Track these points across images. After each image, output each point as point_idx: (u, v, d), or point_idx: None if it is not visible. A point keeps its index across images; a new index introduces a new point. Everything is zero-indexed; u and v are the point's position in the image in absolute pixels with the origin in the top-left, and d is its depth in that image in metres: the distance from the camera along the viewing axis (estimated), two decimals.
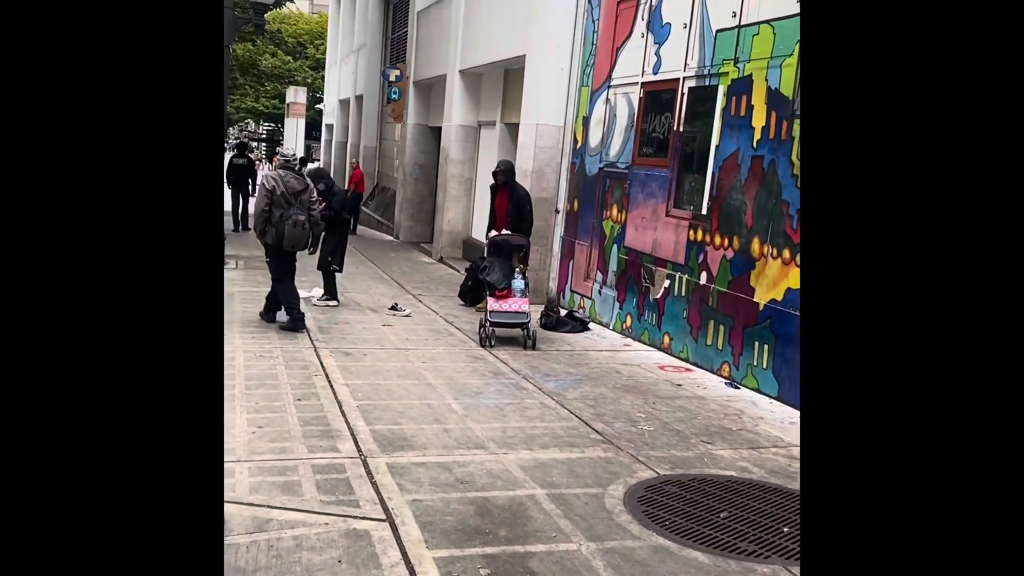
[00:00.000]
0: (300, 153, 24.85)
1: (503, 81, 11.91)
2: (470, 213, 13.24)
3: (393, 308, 8.43)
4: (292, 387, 5.31)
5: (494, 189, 8.64)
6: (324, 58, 34.00)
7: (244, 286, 9.19)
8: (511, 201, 8.37)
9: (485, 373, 6.10)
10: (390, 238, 16.43)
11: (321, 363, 6.00)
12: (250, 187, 15.14)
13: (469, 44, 12.22)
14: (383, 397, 5.24)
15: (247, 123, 53.81)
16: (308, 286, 9.27)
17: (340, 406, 4.97)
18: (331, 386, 5.41)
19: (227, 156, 16.65)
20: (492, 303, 7.24)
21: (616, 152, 8.40)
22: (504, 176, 8.43)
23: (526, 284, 7.45)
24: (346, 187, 16.48)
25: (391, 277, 10.96)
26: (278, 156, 7.41)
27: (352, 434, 4.45)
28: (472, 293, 9.01)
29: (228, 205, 15.25)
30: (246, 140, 26.75)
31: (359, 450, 4.21)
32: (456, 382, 5.76)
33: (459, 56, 12.56)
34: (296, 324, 7.00)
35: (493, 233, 7.72)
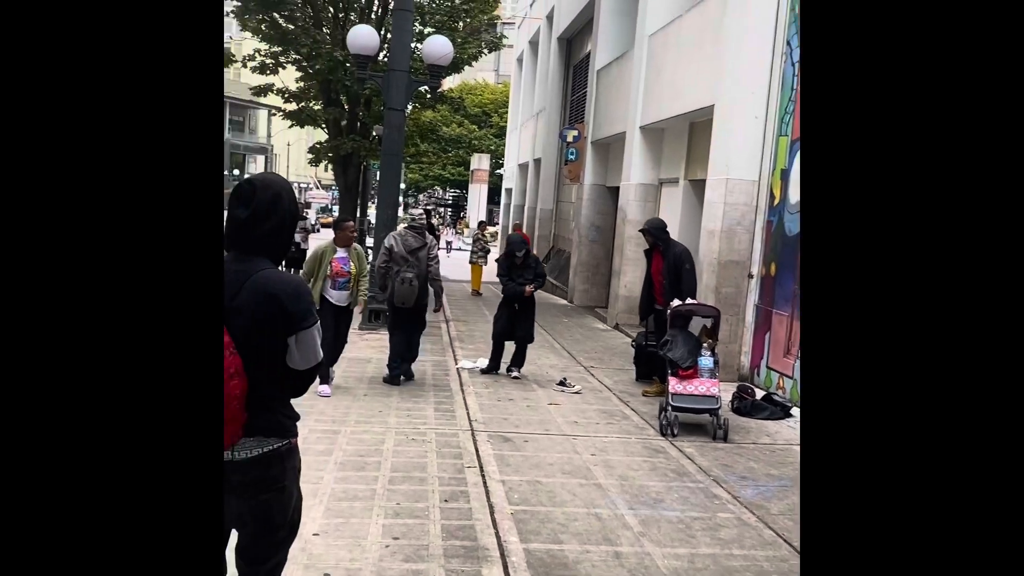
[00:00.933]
0: (481, 217, 25.31)
1: (688, 135, 11.01)
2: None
3: (561, 383, 7.63)
4: (440, 482, 4.61)
5: (648, 253, 7.72)
6: (507, 126, 34.74)
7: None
8: (666, 263, 7.41)
9: (667, 472, 5.10)
10: (564, 302, 15.78)
11: (476, 451, 5.27)
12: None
13: (651, 99, 11.48)
14: (543, 501, 4.40)
15: (435, 189, 56.36)
16: (475, 355, 8.71)
17: (492, 511, 4.18)
18: (484, 483, 4.65)
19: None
20: (675, 384, 6.24)
21: None
22: (653, 236, 7.49)
23: (716, 362, 6.38)
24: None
25: (562, 345, 10.20)
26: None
27: (502, 555, 3.63)
28: (640, 368, 8.14)
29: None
30: (431, 208, 27.69)
31: None
32: (632, 484, 4.81)
33: (640, 112, 11.84)
34: (389, 378, 7.25)
35: (676, 302, 6.75)
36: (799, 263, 7.53)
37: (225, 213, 2.11)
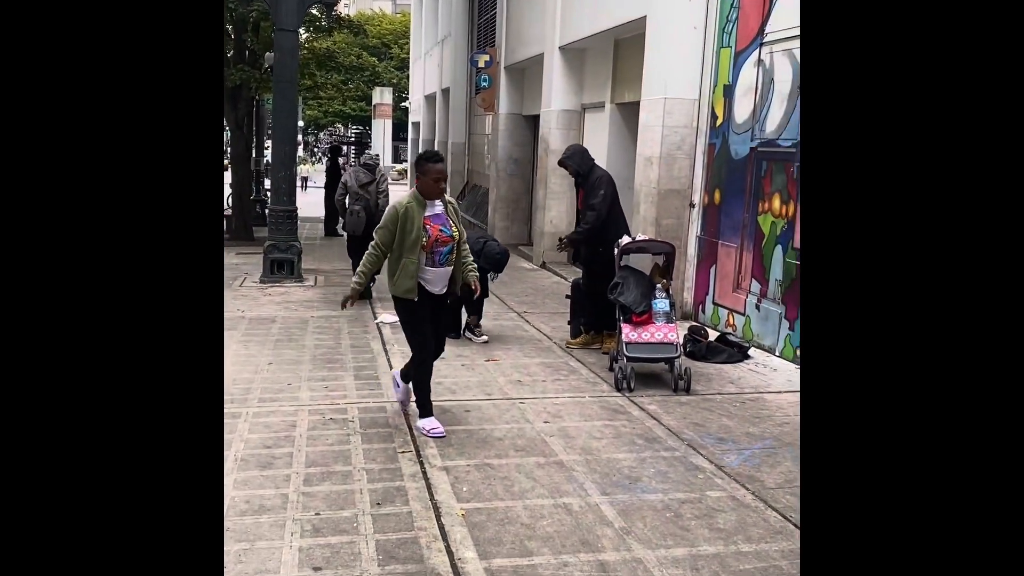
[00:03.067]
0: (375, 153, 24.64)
1: (613, 55, 10.11)
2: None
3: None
4: (369, 476, 3.74)
5: (577, 186, 6.59)
6: (409, 57, 32.94)
7: (321, 309, 7.76)
8: (586, 194, 6.34)
9: (633, 439, 4.38)
10: None
11: (410, 428, 4.42)
12: None
13: (571, 16, 10.49)
14: (499, 493, 3.60)
15: (336, 127, 53.81)
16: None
17: (438, 514, 3.35)
18: (424, 472, 3.81)
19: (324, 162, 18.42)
20: (628, 332, 5.50)
21: (776, 127, 6.51)
22: (575, 165, 6.32)
23: (672, 305, 5.68)
24: None
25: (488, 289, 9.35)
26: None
27: None
28: (577, 320, 6.64)
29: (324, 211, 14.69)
30: (338, 144, 26.20)
31: None
32: (598, 458, 4.06)
33: (558, 31, 10.84)
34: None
35: (626, 239, 5.96)
36: (748, 190, 6.86)
37: None
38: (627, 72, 9.55)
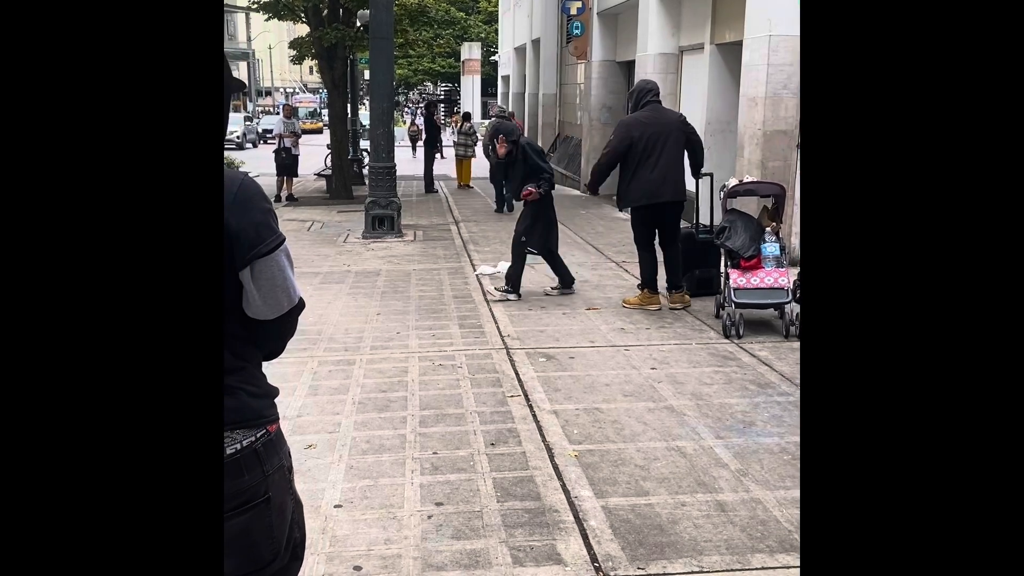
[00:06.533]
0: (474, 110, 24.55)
1: None
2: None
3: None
4: (482, 419, 3.82)
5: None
6: (497, 11, 32.62)
7: (422, 262, 7.91)
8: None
9: (746, 384, 4.30)
10: (577, 192, 14.78)
11: (517, 375, 4.47)
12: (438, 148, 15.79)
13: None
14: (610, 436, 3.61)
15: (426, 85, 54.13)
16: (494, 259, 7.84)
17: (551, 455, 3.40)
18: (534, 416, 3.86)
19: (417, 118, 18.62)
20: (736, 277, 5.37)
21: None
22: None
23: (782, 249, 5.50)
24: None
25: (585, 240, 9.32)
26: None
27: (577, 519, 2.86)
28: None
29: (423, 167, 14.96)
30: (433, 101, 26.42)
31: (594, 562, 2.61)
32: (710, 403, 4.01)
33: None
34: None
35: (733, 181, 5.78)
36: None
37: None
38: (728, 10, 9.16)
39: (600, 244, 9.02)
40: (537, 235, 6.42)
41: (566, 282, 6.57)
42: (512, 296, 6.32)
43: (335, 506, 2.95)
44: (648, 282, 6.07)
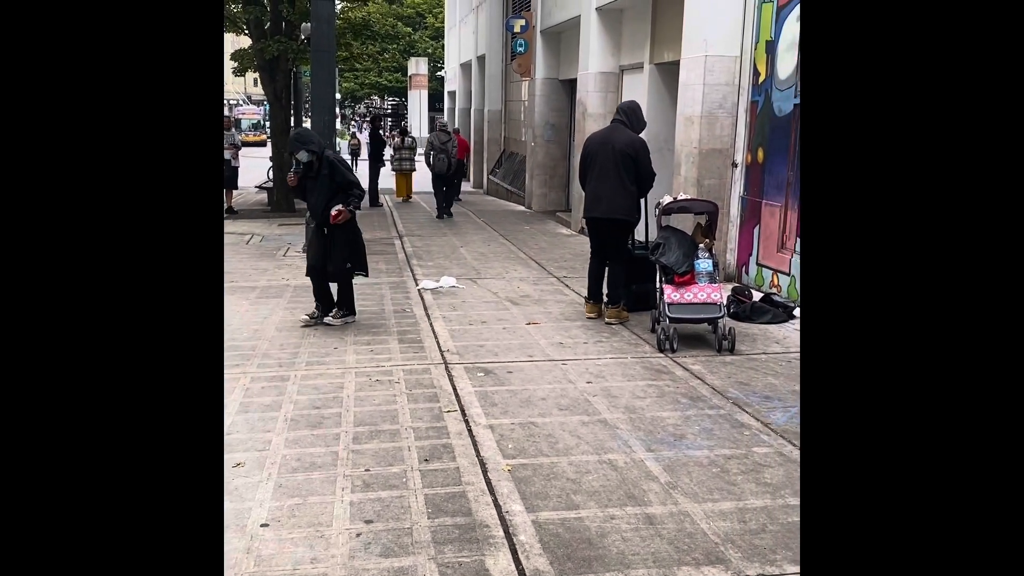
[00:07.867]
0: (418, 124, 24.68)
1: (651, 13, 9.93)
2: None
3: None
4: (417, 434, 3.80)
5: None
6: (443, 27, 32.73)
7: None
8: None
9: (678, 398, 4.38)
10: (522, 208, 14.86)
11: (455, 389, 4.47)
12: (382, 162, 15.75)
13: None
14: (544, 450, 3.63)
15: (373, 99, 53.85)
16: (436, 274, 7.83)
17: (484, 470, 3.40)
18: (469, 431, 3.86)
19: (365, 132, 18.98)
20: (670, 292, 5.47)
21: None
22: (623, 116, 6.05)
23: (715, 265, 5.62)
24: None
25: (528, 255, 9.37)
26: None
27: (507, 533, 2.86)
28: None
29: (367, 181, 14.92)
30: (378, 114, 26.35)
31: (520, 572, 2.62)
32: (642, 417, 4.07)
33: None
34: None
35: (667, 198, 5.89)
36: (792, 148, 6.72)
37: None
38: (666, 31, 9.37)
39: (542, 259, 9.08)
40: (360, 256, 5.97)
41: (350, 309, 6.04)
42: (350, 318, 5.98)
43: (262, 525, 2.90)
44: (588, 290, 6.26)
